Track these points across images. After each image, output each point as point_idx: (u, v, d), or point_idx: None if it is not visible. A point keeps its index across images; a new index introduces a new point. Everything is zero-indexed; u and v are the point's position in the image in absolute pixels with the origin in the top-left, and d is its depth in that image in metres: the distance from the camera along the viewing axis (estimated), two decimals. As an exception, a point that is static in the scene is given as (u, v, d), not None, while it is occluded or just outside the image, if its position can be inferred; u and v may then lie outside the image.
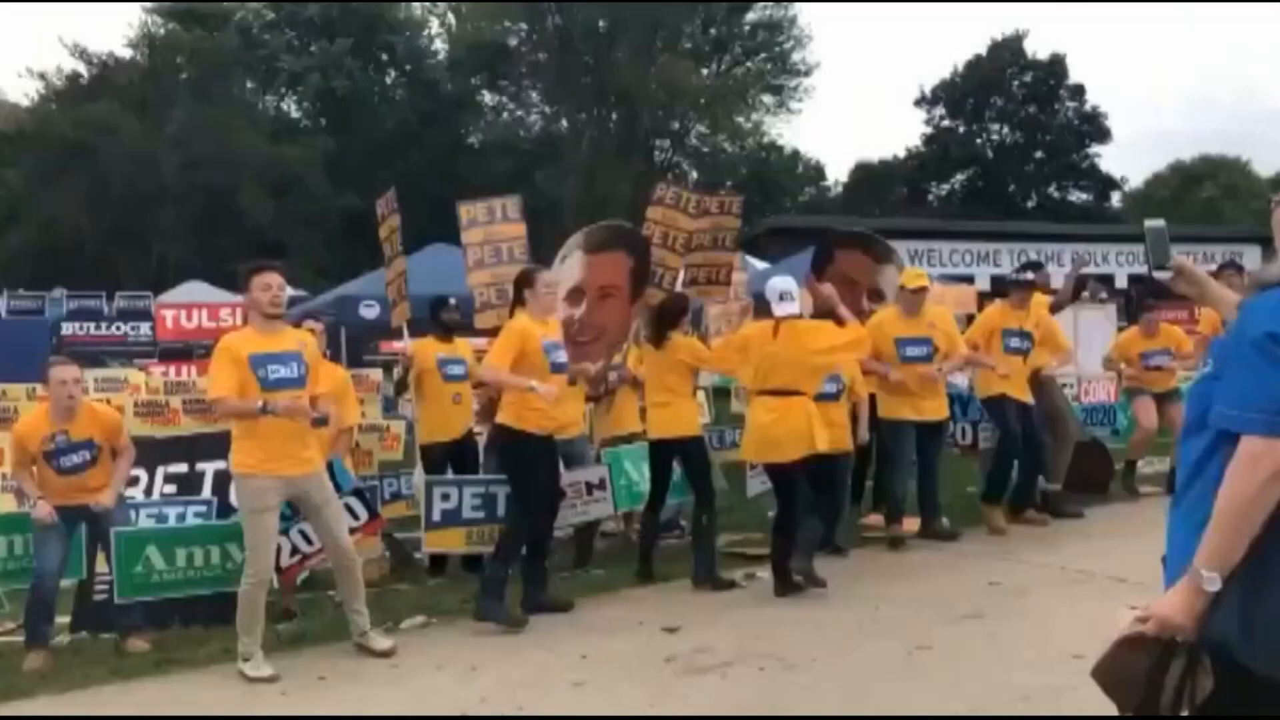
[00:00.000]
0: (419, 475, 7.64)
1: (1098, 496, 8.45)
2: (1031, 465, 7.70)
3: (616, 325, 7.53)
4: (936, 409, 7.31)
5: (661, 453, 6.55)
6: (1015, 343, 7.62)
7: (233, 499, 6.75)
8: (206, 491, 6.70)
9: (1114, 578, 6.03)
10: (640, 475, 7.08)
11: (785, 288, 6.15)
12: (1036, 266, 8.24)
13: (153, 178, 32.29)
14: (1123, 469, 8.68)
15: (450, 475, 6.83)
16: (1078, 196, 47.14)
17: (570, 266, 7.43)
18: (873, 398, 7.54)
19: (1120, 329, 11.48)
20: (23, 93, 45.77)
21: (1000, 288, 8.15)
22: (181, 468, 6.91)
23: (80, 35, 58.47)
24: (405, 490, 7.98)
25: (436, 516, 6.31)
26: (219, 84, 34.02)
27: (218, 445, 7.01)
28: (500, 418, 5.94)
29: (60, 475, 5.49)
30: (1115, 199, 49.32)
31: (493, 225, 7.42)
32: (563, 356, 5.94)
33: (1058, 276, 9.77)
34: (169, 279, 26.73)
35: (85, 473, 5.54)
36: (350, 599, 5.34)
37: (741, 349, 6.31)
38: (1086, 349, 11.28)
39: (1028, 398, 7.60)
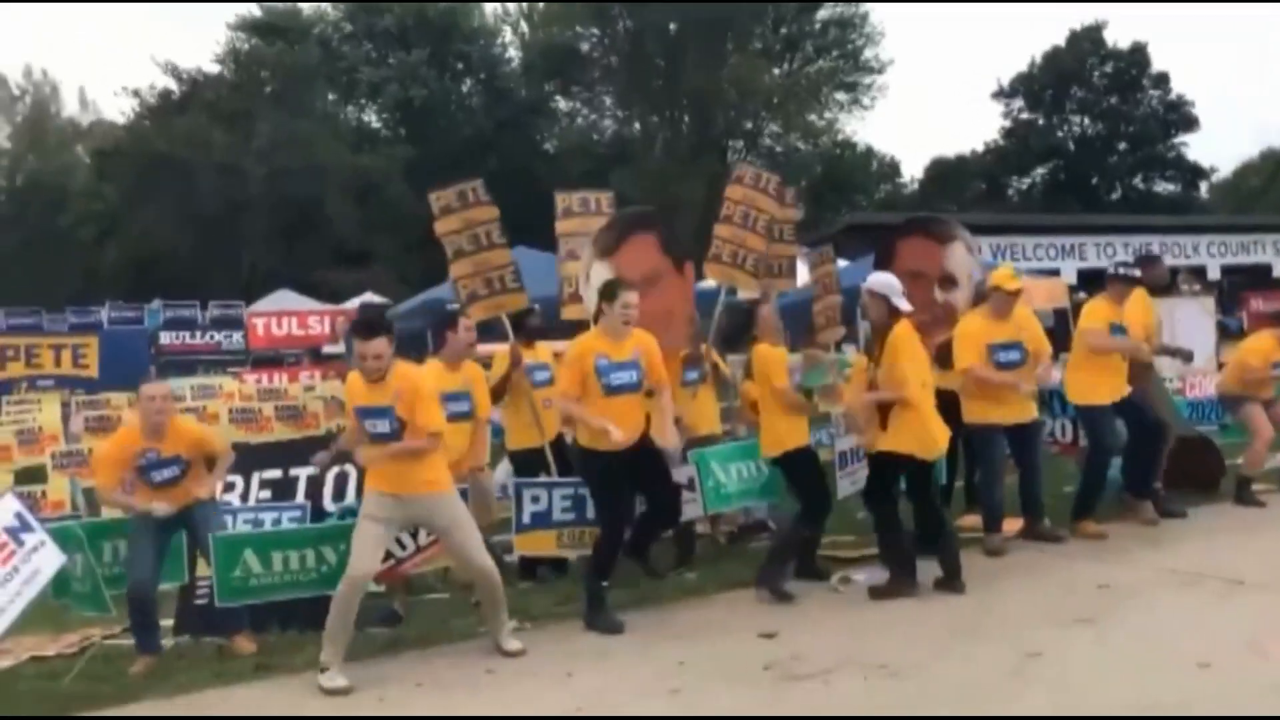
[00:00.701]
0: (501, 473, 7.64)
1: (1204, 495, 8.09)
2: (1149, 455, 7.35)
3: (679, 302, 7.29)
4: (1024, 410, 6.97)
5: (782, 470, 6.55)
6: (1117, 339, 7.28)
7: (326, 503, 6.90)
8: (300, 497, 6.77)
9: (1229, 579, 5.76)
10: (728, 476, 6.97)
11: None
12: (1153, 259, 7.83)
13: (240, 188, 33.15)
14: (1237, 486, 7.95)
15: (542, 479, 6.78)
16: (1164, 187, 45.70)
17: (597, 278, 7.07)
18: (954, 398, 7.30)
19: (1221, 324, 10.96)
20: (119, 110, 47.53)
21: (1097, 282, 7.63)
22: (276, 473, 6.99)
23: (171, 53, 60.36)
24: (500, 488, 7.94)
25: (527, 519, 6.29)
26: (301, 96, 34.81)
27: (311, 451, 7.14)
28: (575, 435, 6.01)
29: (154, 489, 5.62)
30: (1203, 189, 47.69)
31: (587, 217, 7.39)
32: (623, 378, 5.76)
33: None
34: (258, 288, 27.38)
35: (178, 486, 5.67)
36: (490, 616, 5.43)
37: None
38: (1186, 342, 10.83)
39: (1123, 391, 7.24)
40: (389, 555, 5.94)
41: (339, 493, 6.96)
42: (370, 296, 21.34)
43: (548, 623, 5.86)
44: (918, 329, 6.16)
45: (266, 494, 6.90)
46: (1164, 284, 8.00)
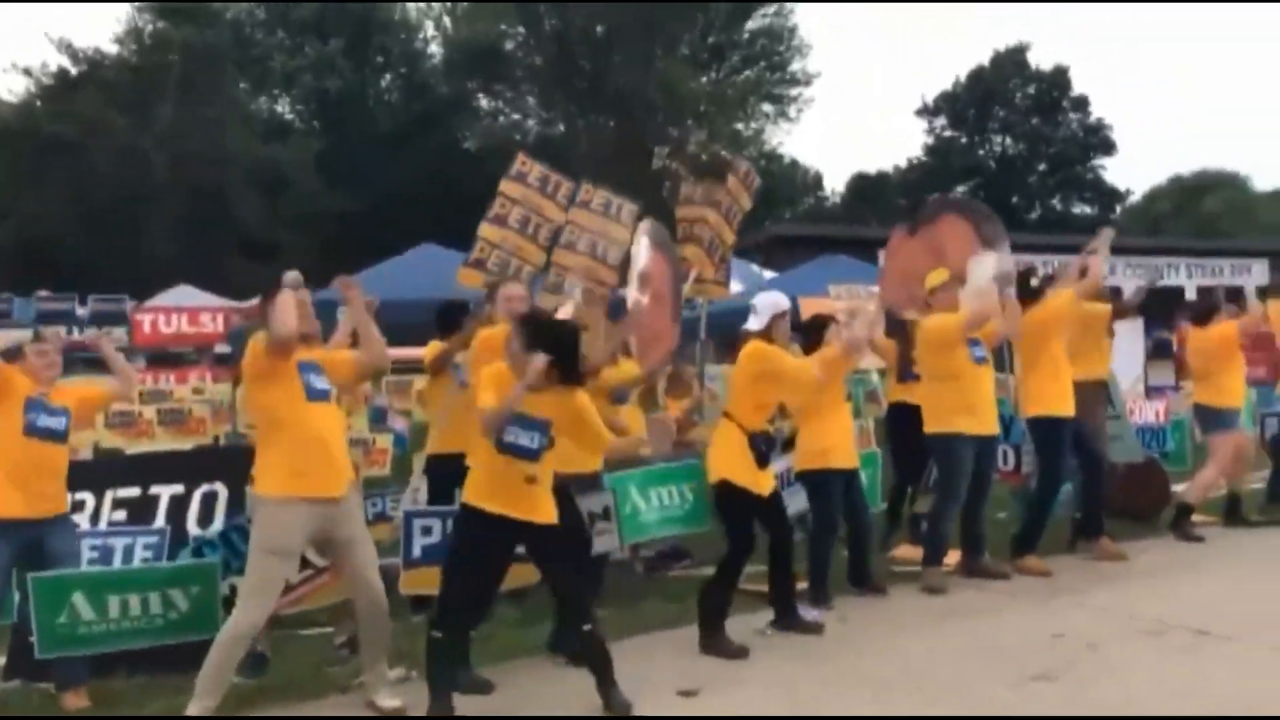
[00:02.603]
0: (413, 488, 6.91)
1: (1145, 525, 7.69)
2: (1095, 485, 6.93)
3: (665, 336, 6.94)
4: (991, 422, 6.44)
5: None
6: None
7: (190, 526, 6.04)
8: (160, 520, 5.92)
9: (1193, 629, 5.28)
10: (649, 503, 6.30)
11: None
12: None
13: (141, 176, 31.49)
14: (1176, 515, 7.58)
15: (436, 507, 6.00)
16: (1081, 209, 46.62)
17: (641, 250, 6.92)
18: (907, 410, 6.78)
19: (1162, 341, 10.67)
20: (8, 89, 45.06)
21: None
22: (133, 491, 6.13)
23: (67, 31, 57.67)
24: (389, 510, 7.26)
25: (417, 553, 5.50)
26: (209, 82, 33.18)
27: (175, 467, 6.29)
28: None
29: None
30: (1117, 211, 48.81)
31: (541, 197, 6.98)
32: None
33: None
34: (158, 281, 25.94)
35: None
36: (370, 658, 4.61)
37: None
38: (1116, 364, 10.52)
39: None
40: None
41: (206, 516, 6.13)
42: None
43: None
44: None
45: (121, 515, 6.04)
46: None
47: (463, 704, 4.44)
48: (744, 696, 4.60)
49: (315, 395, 4.45)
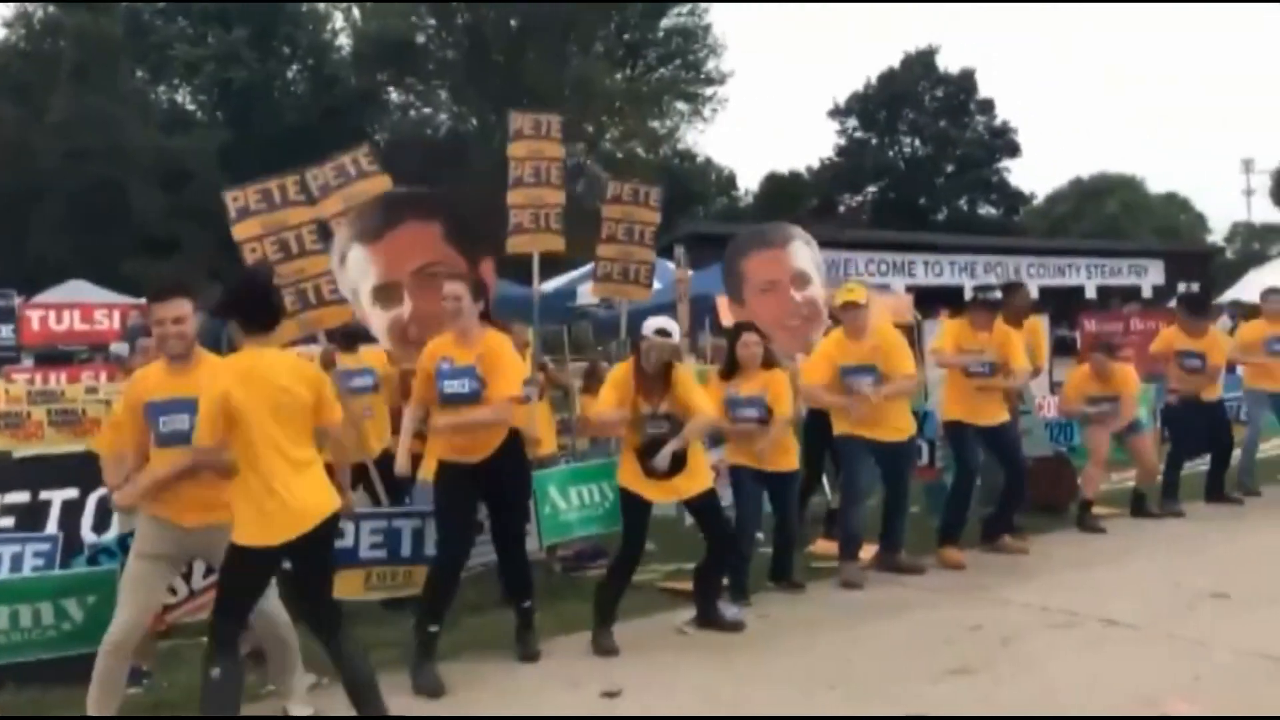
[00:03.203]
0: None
1: (1052, 518, 7.86)
2: (1015, 491, 7.05)
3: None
4: (900, 429, 6.55)
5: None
6: (975, 367, 6.93)
7: (84, 533, 5.76)
8: (51, 526, 5.62)
9: (1103, 619, 5.38)
10: (568, 502, 6.21)
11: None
12: (986, 289, 7.50)
13: (31, 169, 30.11)
14: (1080, 510, 7.79)
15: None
16: (986, 210, 47.83)
17: (356, 265, 6.15)
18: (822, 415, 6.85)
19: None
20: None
21: (959, 304, 7.37)
22: (22, 497, 5.83)
23: (-50, 15, 55.00)
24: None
25: (330, 556, 5.31)
26: (105, 71, 31.86)
27: (67, 471, 5.99)
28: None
29: None
30: (1021, 212, 50.21)
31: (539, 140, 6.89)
32: (454, 387, 4.90)
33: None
34: (49, 277, 24.82)
35: None
36: (278, 673, 4.42)
37: None
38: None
39: (994, 420, 6.91)
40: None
41: (101, 522, 5.85)
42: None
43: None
44: (791, 333, 6.36)
45: (9, 521, 5.76)
46: (1027, 311, 7.78)
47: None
48: (666, 696, 4.54)
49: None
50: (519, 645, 5.09)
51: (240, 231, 6.27)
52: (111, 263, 26.74)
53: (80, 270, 23.59)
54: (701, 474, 5.43)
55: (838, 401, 6.44)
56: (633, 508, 5.39)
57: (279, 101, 37.20)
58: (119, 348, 13.46)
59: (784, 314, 7.65)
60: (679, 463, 5.30)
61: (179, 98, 39.76)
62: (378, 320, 5.82)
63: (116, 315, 14.70)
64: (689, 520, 6.28)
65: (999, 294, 7.16)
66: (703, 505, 5.44)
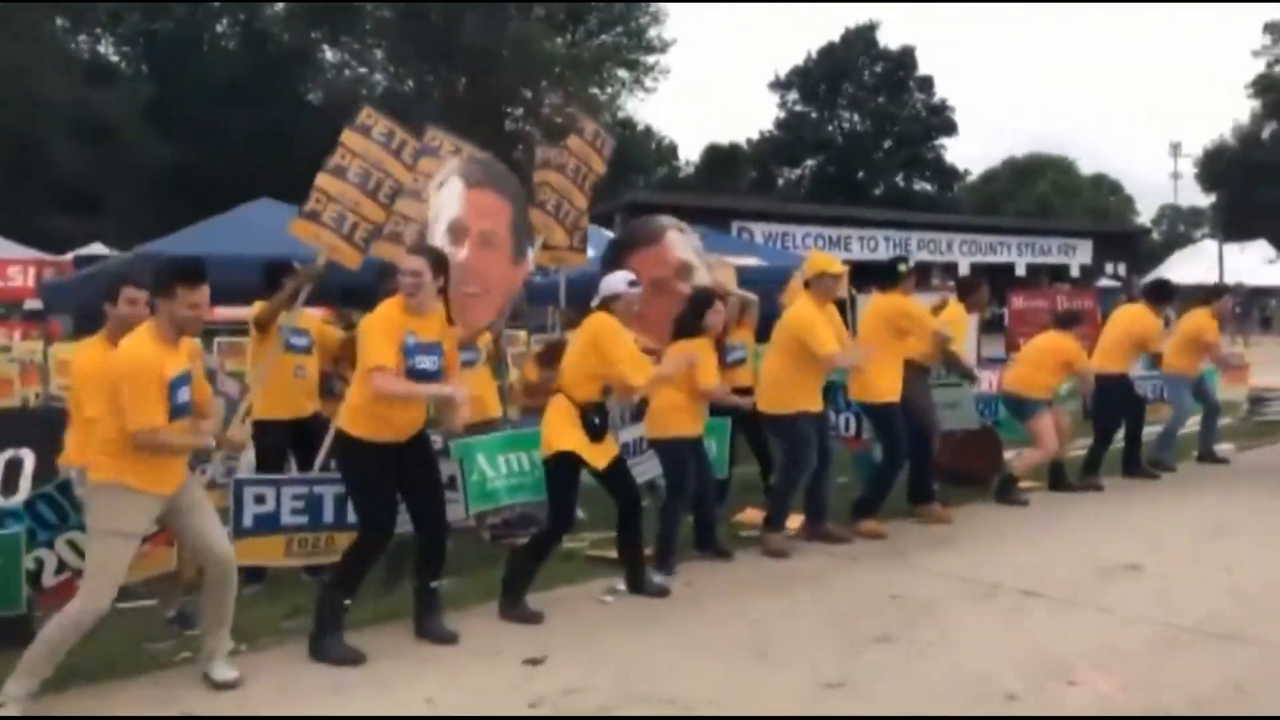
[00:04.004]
0: (249, 458, 6.54)
1: (976, 490, 7.99)
2: (923, 456, 7.15)
3: (499, 285, 6.40)
4: (818, 399, 6.59)
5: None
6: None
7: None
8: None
9: (1023, 590, 5.48)
10: (495, 470, 6.13)
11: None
12: (903, 260, 7.61)
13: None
14: (1001, 483, 7.88)
15: (268, 475, 5.67)
16: (922, 187, 48.40)
17: (449, 195, 6.33)
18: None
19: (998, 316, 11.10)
20: None
21: (882, 279, 7.36)
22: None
23: None
24: (220, 478, 6.87)
25: (249, 522, 5.20)
26: (19, 18, 30.56)
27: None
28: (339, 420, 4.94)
29: None
30: (955, 189, 50.90)
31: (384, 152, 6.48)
32: (425, 364, 4.76)
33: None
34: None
35: None
36: (214, 624, 4.35)
37: None
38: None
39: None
40: (63, 565, 4.76)
41: (9, 484, 5.65)
42: (99, 248, 18.91)
43: (270, 645, 4.84)
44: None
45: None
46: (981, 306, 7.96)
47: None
48: (589, 663, 4.52)
49: None
50: (427, 628, 4.89)
51: (348, 140, 6.29)
52: (27, 218, 25.80)
53: (-1, 225, 22.77)
54: (613, 437, 5.46)
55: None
56: (567, 475, 5.28)
57: (207, 56, 36.09)
58: (33, 304, 13.03)
59: (678, 305, 7.58)
60: (606, 425, 5.27)
61: (101, 48, 38.39)
62: (442, 246, 5.89)
63: (31, 272, 14.18)
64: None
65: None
66: (617, 469, 5.42)
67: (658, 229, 8.00)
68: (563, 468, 5.26)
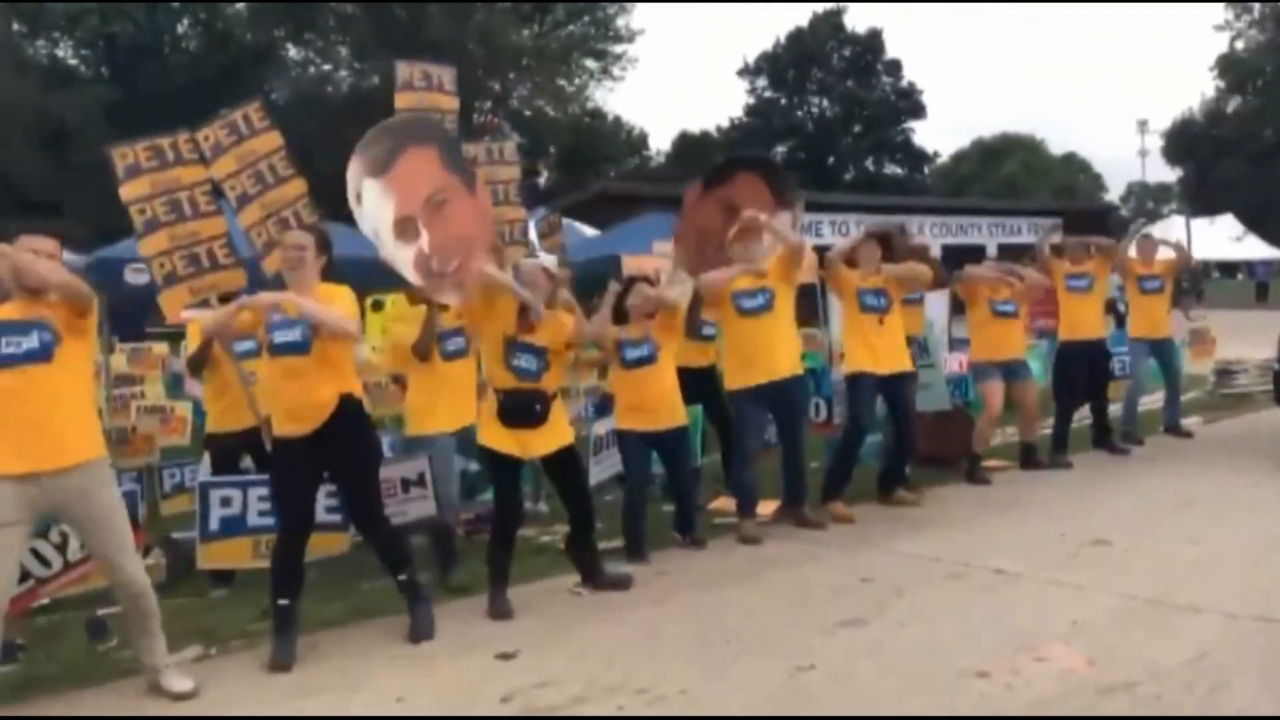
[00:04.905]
0: (206, 466, 6.53)
1: (946, 470, 8.03)
2: (904, 443, 7.16)
3: (477, 225, 5.77)
4: (781, 367, 6.42)
5: None
6: (871, 301, 6.95)
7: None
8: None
9: (992, 569, 5.51)
10: (468, 465, 6.12)
11: None
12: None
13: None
14: (969, 463, 7.93)
15: (234, 477, 5.65)
16: (892, 170, 48.59)
17: (373, 202, 5.71)
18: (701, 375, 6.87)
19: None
20: None
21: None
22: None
23: None
24: (190, 481, 6.88)
25: (215, 525, 5.17)
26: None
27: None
28: None
29: None
30: (926, 172, 51.15)
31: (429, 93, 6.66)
32: (289, 335, 4.58)
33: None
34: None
35: None
36: (137, 635, 4.24)
37: None
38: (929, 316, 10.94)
39: (898, 367, 6.99)
40: (26, 574, 4.70)
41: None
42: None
43: (240, 649, 4.81)
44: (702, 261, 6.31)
45: None
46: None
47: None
48: (561, 656, 4.51)
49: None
50: (410, 625, 4.85)
51: (129, 191, 6.03)
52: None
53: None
54: (561, 429, 5.33)
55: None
56: (501, 468, 5.22)
57: (169, 58, 35.74)
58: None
59: (715, 242, 6.99)
60: (540, 417, 5.21)
61: (60, 52, 37.88)
62: (403, 257, 5.35)
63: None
64: (594, 480, 6.27)
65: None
66: (562, 462, 5.35)
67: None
68: (489, 461, 5.26)
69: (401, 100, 6.70)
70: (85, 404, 4.15)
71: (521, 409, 5.15)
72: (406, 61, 6.88)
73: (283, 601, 4.60)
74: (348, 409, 4.62)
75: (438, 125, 6.05)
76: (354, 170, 5.53)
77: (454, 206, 5.38)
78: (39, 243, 4.03)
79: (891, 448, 7.28)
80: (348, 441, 4.65)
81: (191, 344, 6.13)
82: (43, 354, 3.92)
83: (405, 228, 5.37)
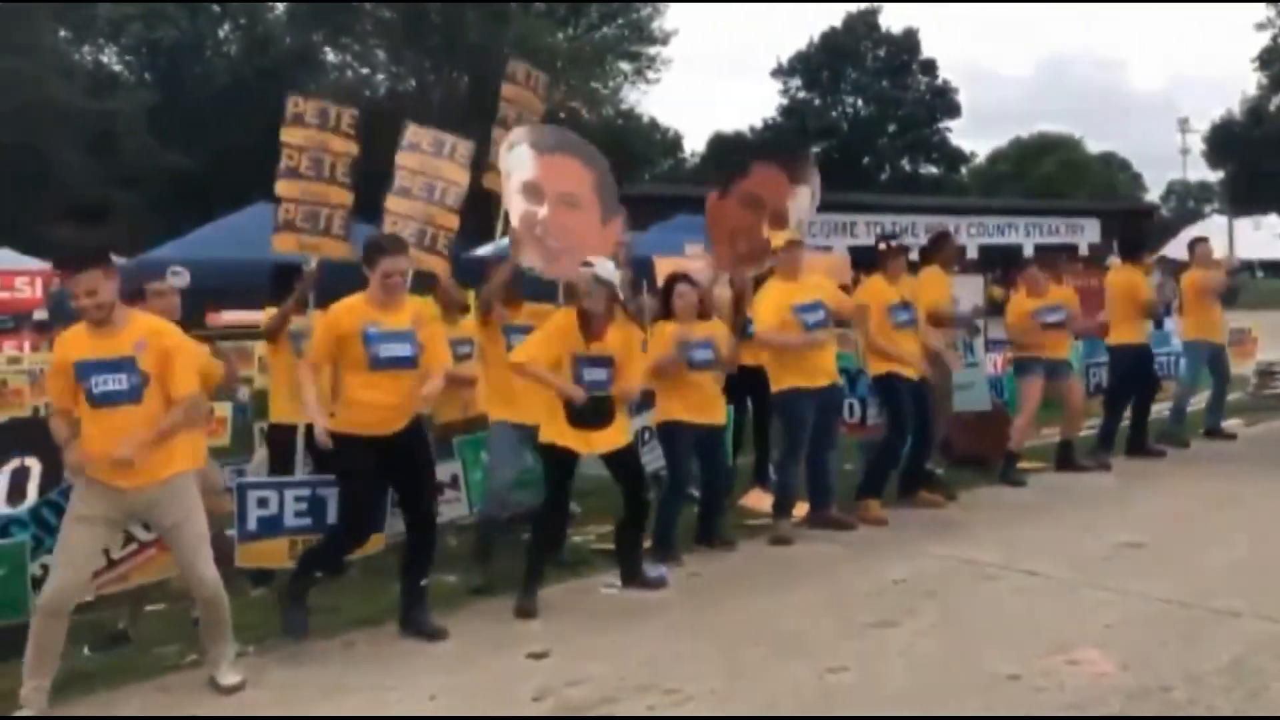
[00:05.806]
0: (258, 460, 6.62)
1: (981, 471, 7.97)
2: (923, 444, 7.14)
3: (587, 244, 6.08)
4: (830, 374, 6.57)
5: None
6: (902, 317, 7.01)
7: (-2, 505, 5.60)
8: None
9: (1025, 570, 5.49)
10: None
11: None
12: (892, 237, 7.68)
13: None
14: (1004, 462, 7.88)
15: (271, 478, 5.72)
16: (928, 170, 48.23)
17: (520, 158, 6.25)
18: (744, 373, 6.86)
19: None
20: None
21: (869, 261, 7.41)
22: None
23: None
24: (230, 482, 6.92)
25: (253, 526, 5.23)
26: (22, 30, 30.70)
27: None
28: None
29: None
30: (962, 171, 50.73)
31: (438, 159, 6.60)
32: (396, 350, 4.79)
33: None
34: (-32, 244, 24.02)
35: None
36: (209, 644, 4.41)
37: None
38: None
39: (920, 373, 7.00)
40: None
41: (16, 491, 5.69)
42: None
43: (276, 646, 4.88)
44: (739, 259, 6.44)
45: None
46: (955, 260, 7.88)
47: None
48: (592, 655, 4.54)
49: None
50: (414, 622, 4.91)
51: (287, 134, 6.31)
52: (33, 228, 25.94)
53: (7, 235, 22.90)
54: (623, 427, 5.44)
55: (795, 341, 6.42)
56: (560, 464, 5.30)
57: (210, 62, 36.26)
58: (41, 315, 13.09)
59: (744, 235, 7.10)
60: (608, 415, 5.28)
61: (104, 58, 38.56)
62: (516, 204, 5.94)
63: (39, 282, 14.27)
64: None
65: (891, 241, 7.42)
66: (625, 460, 5.42)
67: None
68: (549, 457, 5.31)
69: (288, 135, 6.50)
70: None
71: (590, 413, 5.25)
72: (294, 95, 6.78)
73: (319, 574, 4.82)
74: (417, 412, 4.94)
75: (605, 162, 6.49)
76: (520, 133, 6.36)
77: (580, 215, 5.99)
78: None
79: (911, 450, 7.24)
80: (421, 443, 4.93)
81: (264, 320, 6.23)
82: (131, 396, 4.15)
83: (533, 191, 5.86)
